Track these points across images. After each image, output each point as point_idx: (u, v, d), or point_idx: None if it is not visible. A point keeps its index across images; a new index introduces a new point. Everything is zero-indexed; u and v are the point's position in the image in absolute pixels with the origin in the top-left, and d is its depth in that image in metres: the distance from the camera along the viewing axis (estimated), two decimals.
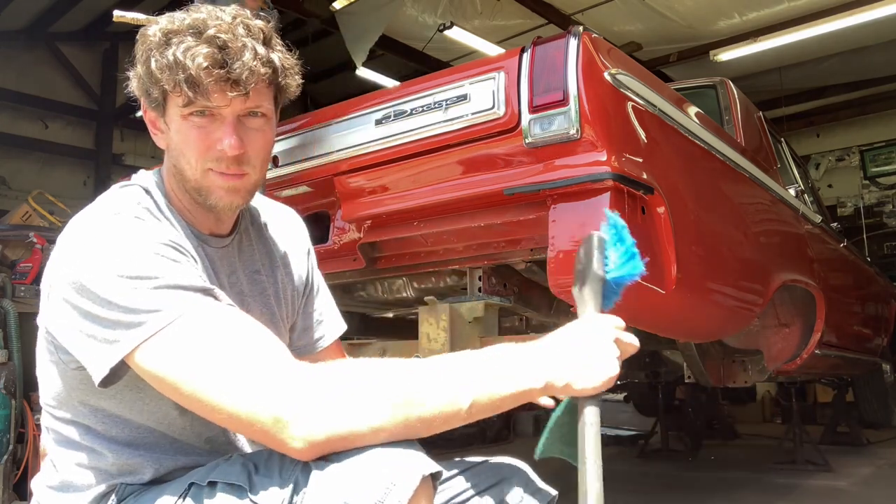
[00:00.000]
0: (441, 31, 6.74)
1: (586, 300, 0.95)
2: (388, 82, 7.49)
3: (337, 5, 6.37)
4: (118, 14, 2.45)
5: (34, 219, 4.56)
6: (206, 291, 0.91)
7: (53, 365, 0.99)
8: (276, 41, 1.04)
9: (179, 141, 1.00)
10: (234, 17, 0.99)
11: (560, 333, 0.93)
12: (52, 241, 3.73)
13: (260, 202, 1.24)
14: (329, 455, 0.82)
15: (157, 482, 0.98)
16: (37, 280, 3.60)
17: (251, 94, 0.98)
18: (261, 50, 0.98)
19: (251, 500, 0.84)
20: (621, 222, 0.97)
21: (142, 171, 1.12)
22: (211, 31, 0.95)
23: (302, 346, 1.26)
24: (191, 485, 0.91)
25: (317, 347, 1.27)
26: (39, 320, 1.00)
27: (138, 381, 0.96)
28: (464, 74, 1.89)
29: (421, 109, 1.92)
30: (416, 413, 0.83)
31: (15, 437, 3.04)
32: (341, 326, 1.32)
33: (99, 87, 8.89)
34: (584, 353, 0.90)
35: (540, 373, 0.88)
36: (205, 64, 0.94)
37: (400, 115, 1.96)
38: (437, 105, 1.88)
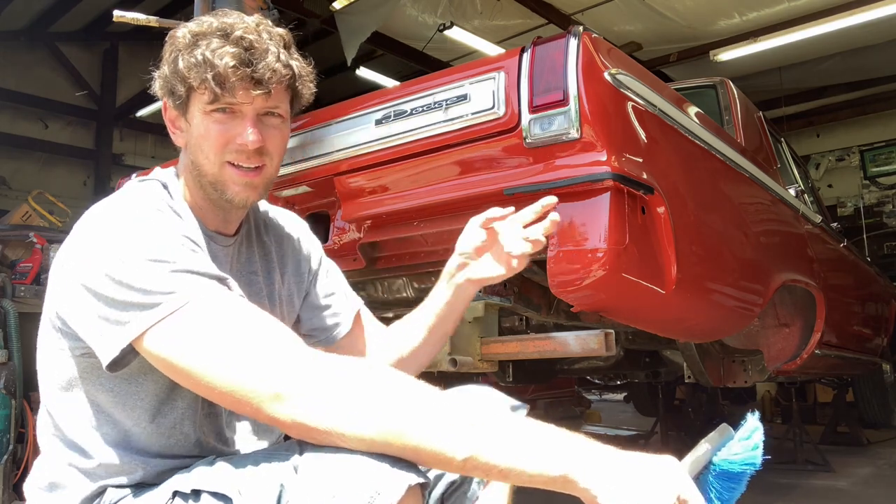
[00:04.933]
0: (441, 31, 6.74)
1: (685, 460, 0.87)
2: (388, 82, 7.49)
3: (337, 5, 6.37)
4: (118, 14, 2.45)
5: (34, 219, 4.57)
6: (221, 280, 0.94)
7: (59, 352, 1.00)
8: (294, 49, 1.10)
9: (200, 136, 1.05)
10: (259, 24, 1.05)
11: (630, 452, 0.82)
12: (53, 241, 3.75)
13: (263, 207, 1.28)
14: (317, 458, 0.83)
15: (144, 486, 0.98)
16: (37, 280, 3.60)
17: (272, 93, 1.04)
18: (282, 54, 1.05)
19: None
20: (758, 425, 0.91)
21: (158, 168, 1.18)
22: (238, 33, 1.02)
23: (322, 339, 1.29)
24: (175, 493, 0.92)
25: (336, 337, 1.30)
26: (46, 306, 1.02)
27: (138, 374, 0.98)
28: (464, 74, 1.89)
29: (421, 109, 1.92)
30: (404, 441, 0.80)
31: (15, 437, 3.04)
32: (354, 306, 1.33)
33: (99, 87, 8.90)
34: (634, 473, 0.78)
35: (562, 461, 0.78)
36: (231, 63, 1.00)
37: (400, 115, 1.95)
38: (437, 105, 1.88)
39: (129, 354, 0.91)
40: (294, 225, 1.32)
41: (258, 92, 1.02)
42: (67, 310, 0.96)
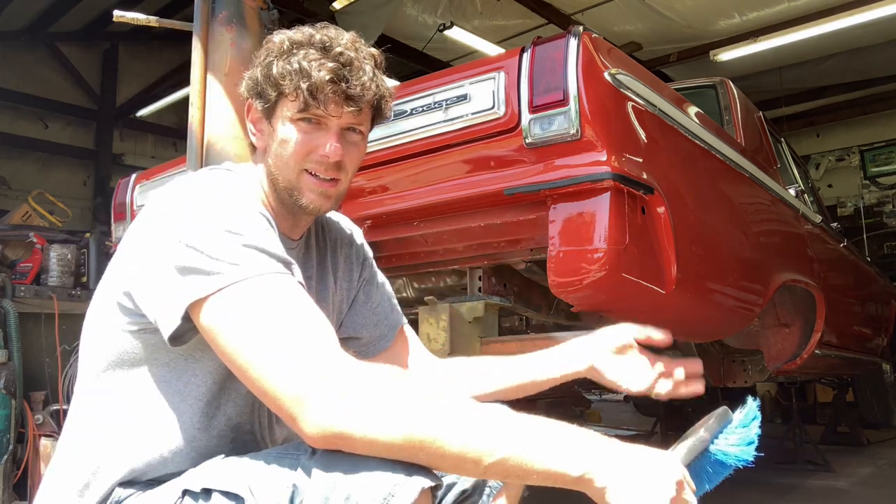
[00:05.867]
0: (441, 31, 6.74)
1: (678, 448, 0.90)
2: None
3: (337, 5, 6.37)
4: (118, 14, 2.45)
5: (34, 219, 4.57)
6: (287, 264, 0.95)
7: (114, 327, 1.00)
8: (383, 69, 1.13)
9: (282, 141, 1.07)
10: (355, 41, 1.09)
11: (632, 446, 0.87)
12: (53, 241, 3.75)
13: None
14: (329, 461, 0.83)
15: (155, 483, 0.97)
16: (37, 280, 3.60)
17: (361, 111, 1.07)
18: (375, 73, 1.09)
19: None
20: (757, 414, 0.94)
21: (229, 162, 1.19)
22: (338, 49, 1.05)
23: (362, 350, 1.29)
24: (184, 492, 0.91)
25: (377, 349, 1.30)
26: (105, 281, 1.03)
27: (195, 349, 0.99)
28: (464, 74, 1.89)
29: (421, 109, 1.92)
30: (431, 450, 0.81)
31: (15, 437, 3.04)
32: (399, 321, 1.33)
33: (99, 87, 8.89)
34: (641, 472, 0.83)
35: (583, 461, 0.82)
36: (328, 77, 1.02)
37: (400, 115, 1.96)
38: (437, 105, 1.89)
39: (190, 331, 0.92)
40: (349, 230, 1.32)
41: (350, 109, 1.05)
42: (134, 282, 0.96)
